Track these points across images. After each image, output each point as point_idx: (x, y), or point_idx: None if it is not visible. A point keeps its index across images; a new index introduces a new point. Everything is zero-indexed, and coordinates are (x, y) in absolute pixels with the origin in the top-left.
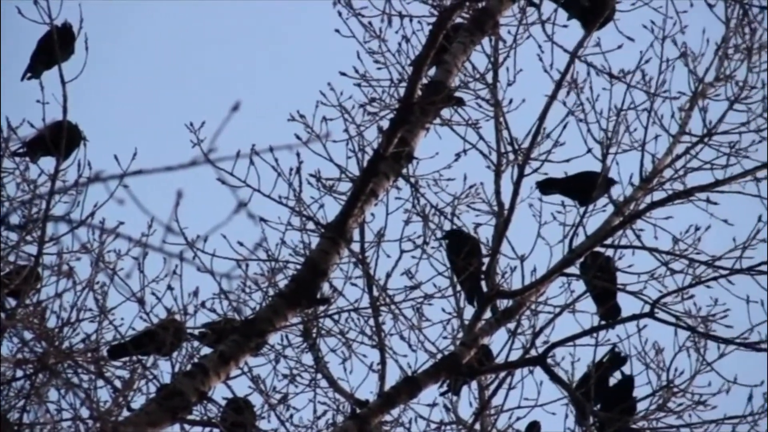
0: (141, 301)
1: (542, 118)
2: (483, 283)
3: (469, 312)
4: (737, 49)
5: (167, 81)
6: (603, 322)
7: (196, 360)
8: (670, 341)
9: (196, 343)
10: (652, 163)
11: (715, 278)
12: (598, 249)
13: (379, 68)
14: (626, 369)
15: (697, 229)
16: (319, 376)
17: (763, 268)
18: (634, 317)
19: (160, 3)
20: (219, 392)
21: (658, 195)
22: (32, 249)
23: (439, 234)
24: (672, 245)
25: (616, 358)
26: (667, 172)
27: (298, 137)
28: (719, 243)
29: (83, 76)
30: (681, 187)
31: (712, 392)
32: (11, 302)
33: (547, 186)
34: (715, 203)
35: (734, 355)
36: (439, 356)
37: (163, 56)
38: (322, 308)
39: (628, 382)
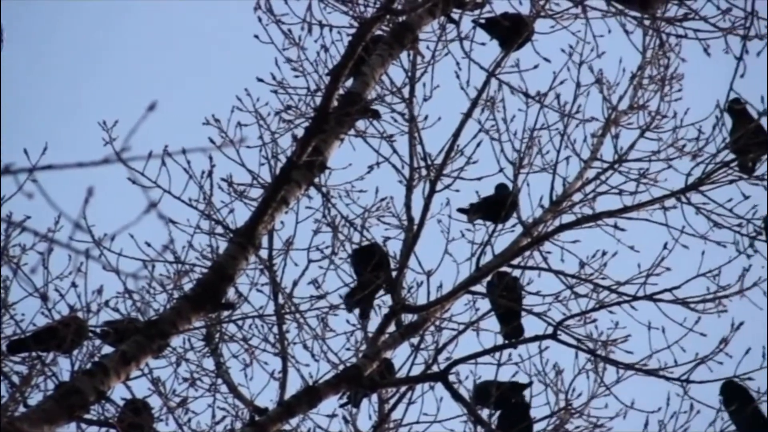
0: (44, 297)
1: (456, 135)
2: (389, 297)
3: (373, 325)
4: (652, 79)
5: (84, 79)
6: (506, 342)
7: (96, 359)
8: (571, 363)
9: (97, 342)
10: (562, 185)
11: (618, 303)
12: (505, 269)
13: (296, 76)
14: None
15: (603, 254)
16: (220, 381)
17: (666, 295)
18: (537, 338)
19: (78, 2)
20: (118, 392)
21: (567, 218)
22: None
23: (348, 246)
24: (578, 269)
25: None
26: (577, 196)
27: (211, 141)
28: (624, 269)
29: None
30: (590, 212)
31: (609, 415)
32: None
33: (471, 211)
34: (623, 229)
35: (632, 380)
36: (341, 367)
37: (82, 54)
38: (226, 313)
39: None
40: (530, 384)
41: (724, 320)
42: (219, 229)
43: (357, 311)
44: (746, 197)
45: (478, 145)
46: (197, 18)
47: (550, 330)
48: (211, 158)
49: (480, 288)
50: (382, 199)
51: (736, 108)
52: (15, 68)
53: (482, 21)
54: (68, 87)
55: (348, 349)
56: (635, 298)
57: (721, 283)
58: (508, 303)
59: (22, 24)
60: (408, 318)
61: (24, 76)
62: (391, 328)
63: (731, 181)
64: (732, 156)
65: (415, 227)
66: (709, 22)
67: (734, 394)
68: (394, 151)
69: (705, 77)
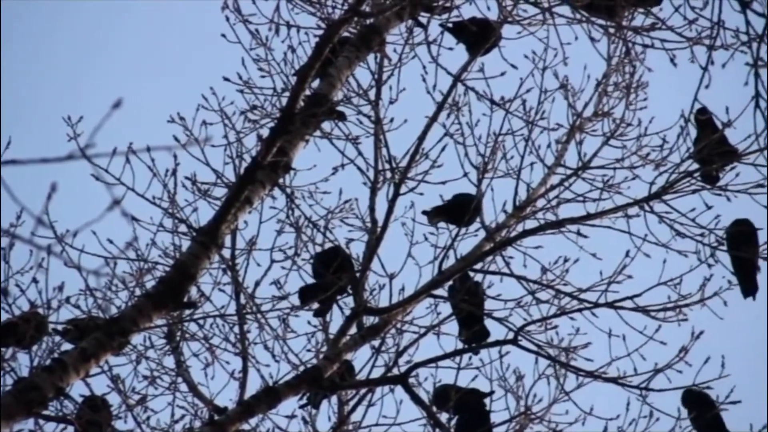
0: (4, 292)
1: (422, 138)
2: (351, 299)
3: (334, 326)
4: (617, 86)
5: (50, 74)
6: (467, 346)
7: (56, 355)
8: (531, 369)
9: (57, 338)
10: (526, 191)
11: (579, 310)
12: (467, 273)
13: (263, 76)
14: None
15: (565, 260)
16: (180, 379)
17: (627, 303)
18: (498, 343)
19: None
20: (77, 389)
21: (530, 224)
22: None
23: (311, 247)
24: (540, 275)
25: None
26: (540, 202)
27: (176, 139)
28: (586, 276)
29: None
30: (553, 218)
31: (568, 421)
32: None
33: (433, 215)
34: (585, 236)
35: (592, 386)
36: (301, 368)
37: (48, 50)
38: (187, 312)
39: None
40: (491, 393)
41: (684, 329)
42: (182, 228)
43: (313, 308)
44: (709, 207)
45: (443, 149)
46: (164, 16)
47: (510, 335)
48: (175, 156)
49: (442, 292)
50: (346, 201)
51: (700, 118)
52: None
53: (450, 25)
54: (31, 82)
55: (309, 350)
56: (596, 305)
57: (682, 292)
58: (469, 307)
59: None
60: (369, 320)
61: None
62: (353, 330)
63: (694, 191)
64: (696, 166)
65: (379, 229)
66: (675, 32)
67: (696, 401)
68: (359, 153)
69: (670, 86)
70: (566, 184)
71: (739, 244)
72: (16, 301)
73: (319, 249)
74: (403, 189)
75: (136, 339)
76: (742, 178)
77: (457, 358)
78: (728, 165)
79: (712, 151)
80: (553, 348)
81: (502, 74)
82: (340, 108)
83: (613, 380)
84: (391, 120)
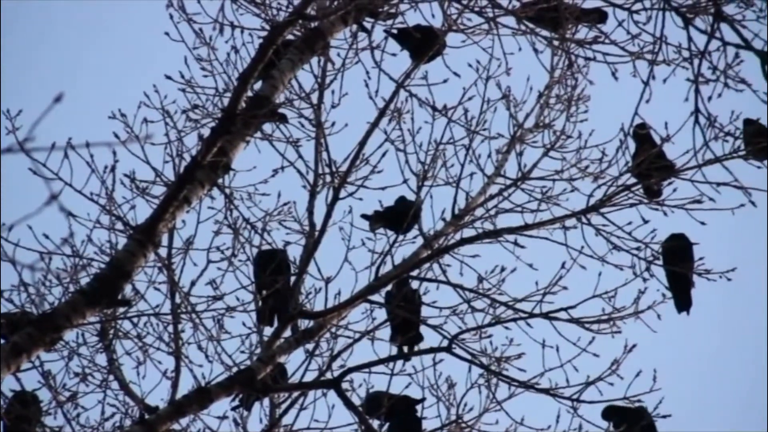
0: None
1: (362, 143)
2: (287, 302)
3: (269, 329)
4: (559, 98)
5: None
6: (401, 352)
7: None
8: (464, 377)
9: None
10: (465, 200)
11: (514, 320)
12: (405, 279)
13: (205, 76)
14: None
15: (502, 269)
16: (112, 377)
17: (562, 314)
18: (432, 350)
19: None
20: (7, 384)
21: (468, 232)
22: None
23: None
24: (476, 283)
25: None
26: (479, 211)
27: (116, 136)
28: (522, 286)
29: None
30: (491, 227)
31: (499, 431)
32: None
33: (373, 219)
34: (523, 246)
35: (523, 396)
36: (234, 370)
37: None
38: (121, 310)
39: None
40: (423, 400)
41: (617, 342)
42: (119, 225)
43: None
44: (646, 221)
45: (384, 154)
46: (108, 11)
47: (445, 343)
48: (114, 153)
49: (378, 297)
50: (285, 204)
51: (640, 132)
52: None
53: (394, 31)
54: None
55: (242, 352)
56: (531, 315)
57: (616, 305)
58: (404, 314)
59: None
60: (304, 324)
61: None
62: (287, 332)
63: (632, 205)
64: (634, 180)
65: (317, 233)
66: (618, 46)
67: (618, 416)
68: (300, 156)
69: (611, 100)
70: (505, 194)
71: (674, 259)
72: None
73: (256, 251)
74: (342, 193)
75: (69, 335)
76: (680, 193)
77: (391, 364)
78: (666, 180)
79: (650, 165)
80: (486, 357)
81: (445, 81)
82: (281, 110)
83: (545, 391)
84: (333, 124)
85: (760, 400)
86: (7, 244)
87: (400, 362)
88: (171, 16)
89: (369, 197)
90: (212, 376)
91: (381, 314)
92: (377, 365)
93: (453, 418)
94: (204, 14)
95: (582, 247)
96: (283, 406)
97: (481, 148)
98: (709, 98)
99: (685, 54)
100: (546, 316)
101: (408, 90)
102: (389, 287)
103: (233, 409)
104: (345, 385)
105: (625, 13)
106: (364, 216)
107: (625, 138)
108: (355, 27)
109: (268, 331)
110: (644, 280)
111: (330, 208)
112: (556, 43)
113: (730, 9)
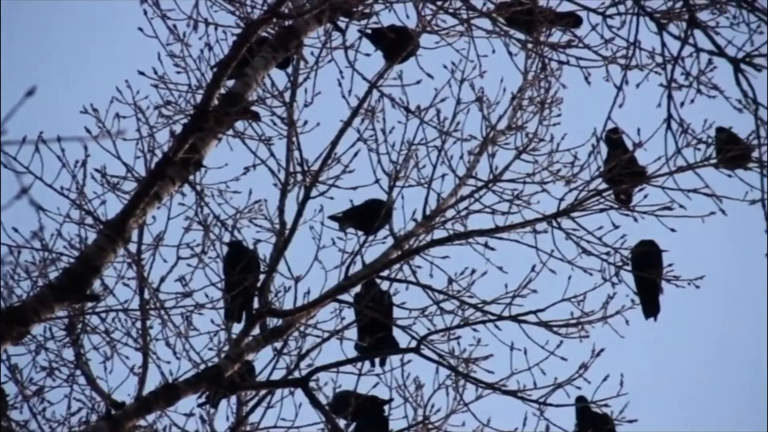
0: None
1: (335, 143)
2: (255, 300)
3: (237, 326)
4: (532, 101)
5: None
6: (368, 353)
7: None
8: (431, 378)
9: None
10: (436, 201)
11: (482, 322)
12: (373, 280)
13: (178, 72)
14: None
15: (472, 272)
16: (79, 372)
17: (530, 317)
18: (400, 351)
19: None
20: None
21: (439, 234)
22: None
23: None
24: (446, 285)
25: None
26: (450, 212)
27: (88, 131)
28: (491, 288)
29: None
30: (461, 229)
31: None
32: None
33: (340, 219)
34: (493, 249)
35: (491, 398)
36: (202, 367)
37: None
38: (90, 304)
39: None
40: (390, 400)
41: (585, 346)
42: (89, 220)
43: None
44: (616, 227)
45: (356, 154)
46: (82, 6)
47: (413, 344)
48: (86, 148)
49: (347, 297)
50: (256, 202)
51: (612, 137)
52: None
53: (368, 31)
54: None
55: (210, 349)
56: (500, 317)
57: (585, 309)
58: (373, 314)
59: None
60: (273, 322)
61: None
62: (256, 330)
63: (602, 210)
64: (605, 185)
65: (287, 232)
66: (591, 50)
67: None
68: (272, 154)
69: (584, 104)
70: (476, 195)
71: (643, 265)
72: None
73: (226, 248)
74: (313, 192)
75: (36, 329)
76: (651, 199)
77: (359, 364)
78: (636, 186)
79: (621, 170)
80: (454, 358)
81: (418, 82)
82: (254, 108)
83: (513, 393)
84: (305, 123)
85: (724, 403)
86: None
87: (368, 362)
88: (145, 12)
89: (340, 197)
90: (180, 372)
91: (350, 314)
92: (345, 365)
93: (420, 418)
94: (178, 11)
95: (552, 251)
96: (250, 404)
97: (453, 149)
98: (682, 104)
99: (659, 59)
100: (515, 318)
101: (381, 90)
102: (358, 288)
103: (200, 406)
104: (312, 384)
105: (599, 18)
106: (332, 217)
107: (597, 142)
108: (329, 26)
109: (236, 328)
110: (613, 285)
111: (301, 206)
112: (530, 45)
113: (703, 15)
